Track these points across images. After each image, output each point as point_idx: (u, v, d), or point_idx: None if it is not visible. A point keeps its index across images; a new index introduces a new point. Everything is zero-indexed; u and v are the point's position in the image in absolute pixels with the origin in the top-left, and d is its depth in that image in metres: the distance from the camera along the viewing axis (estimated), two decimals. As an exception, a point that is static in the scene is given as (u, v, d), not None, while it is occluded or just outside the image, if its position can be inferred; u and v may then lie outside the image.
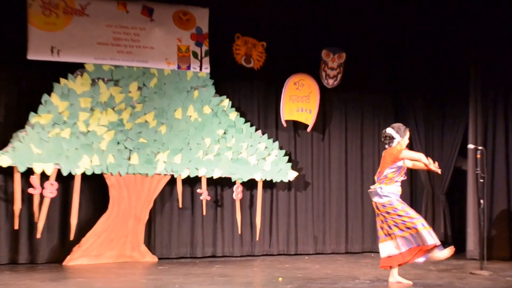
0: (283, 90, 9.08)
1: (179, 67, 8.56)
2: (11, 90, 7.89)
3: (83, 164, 7.78)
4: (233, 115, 8.75)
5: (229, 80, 8.96)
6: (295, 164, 9.13)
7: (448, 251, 6.06)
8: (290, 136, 9.24)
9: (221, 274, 6.87)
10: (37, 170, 7.56)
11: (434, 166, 6.21)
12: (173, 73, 8.53)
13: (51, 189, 7.66)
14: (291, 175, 8.86)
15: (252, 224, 8.87)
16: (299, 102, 9.19)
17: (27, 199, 7.70)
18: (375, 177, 6.36)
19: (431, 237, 5.98)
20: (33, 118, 7.65)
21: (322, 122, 9.41)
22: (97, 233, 7.88)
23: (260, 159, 8.73)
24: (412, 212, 6.11)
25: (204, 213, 8.52)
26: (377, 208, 6.20)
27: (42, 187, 7.61)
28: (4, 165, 7.41)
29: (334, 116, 9.51)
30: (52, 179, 7.68)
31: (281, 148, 9.01)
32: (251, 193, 8.86)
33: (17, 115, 7.81)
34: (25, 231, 7.76)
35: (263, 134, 8.90)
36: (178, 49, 8.56)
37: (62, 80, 7.92)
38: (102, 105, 8.06)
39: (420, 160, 6.21)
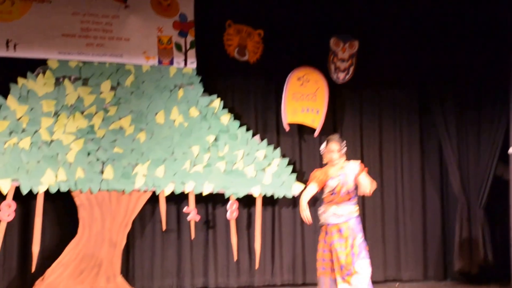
0: (285, 87, 9.07)
1: (160, 62, 8.58)
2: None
3: (46, 180, 7.76)
4: (226, 118, 8.74)
5: (220, 76, 8.96)
6: (300, 176, 9.09)
7: None
8: (294, 142, 9.22)
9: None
10: (-9, 188, 7.53)
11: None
12: (153, 70, 8.53)
13: (8, 211, 7.64)
14: (296, 188, 8.85)
15: (250, 249, 8.84)
16: (304, 100, 9.17)
17: (-22, 223, 7.68)
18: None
19: None
20: (-15, 126, 7.64)
21: (332, 124, 9.38)
22: (65, 263, 7.84)
23: (259, 170, 8.71)
24: None
25: (193, 237, 8.49)
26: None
27: (-2, 206, 7.58)
28: (-48, 182, 7.38)
29: (346, 117, 9.49)
30: (9, 199, 7.63)
31: (283, 156, 8.99)
32: (249, 211, 8.83)
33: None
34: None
35: (262, 140, 8.90)
36: (158, 41, 8.58)
37: (20, 80, 7.92)
38: (69, 108, 8.06)
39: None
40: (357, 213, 6.61)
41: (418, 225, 9.54)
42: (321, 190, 6.67)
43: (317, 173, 6.61)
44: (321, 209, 6.64)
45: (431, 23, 9.45)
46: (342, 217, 6.48)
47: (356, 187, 6.61)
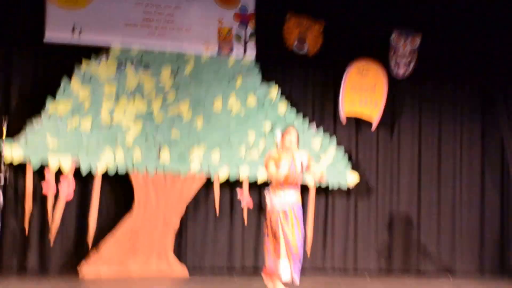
0: (344, 78, 8.93)
1: (219, 52, 8.57)
2: (27, 75, 8.06)
3: (105, 161, 7.82)
4: (283, 106, 8.65)
5: (278, 67, 8.91)
6: (355, 166, 8.94)
7: None
8: (350, 133, 9.08)
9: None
10: (53, 165, 7.65)
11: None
12: (212, 59, 8.54)
13: (68, 188, 7.72)
14: (351, 179, 8.65)
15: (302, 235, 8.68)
16: (363, 92, 9.01)
17: (40, 198, 7.80)
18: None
19: None
20: (50, 106, 7.77)
21: (391, 117, 9.20)
22: (119, 239, 7.87)
23: (315, 158, 8.55)
24: None
25: (246, 223, 8.41)
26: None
27: (57, 185, 7.68)
28: (16, 157, 7.52)
29: (405, 112, 9.30)
30: (69, 177, 7.74)
31: (339, 146, 8.82)
32: (302, 199, 8.61)
33: (32, 103, 7.95)
34: (36, 234, 7.85)
35: (318, 129, 8.74)
36: (218, 31, 8.59)
37: (84, 64, 8.04)
38: (129, 92, 8.12)
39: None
40: (299, 202, 6.45)
41: (476, 219, 9.26)
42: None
43: (270, 157, 6.40)
44: (270, 194, 6.40)
45: (496, 20, 9.10)
46: (288, 204, 6.35)
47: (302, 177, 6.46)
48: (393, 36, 9.06)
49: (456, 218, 9.22)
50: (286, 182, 6.34)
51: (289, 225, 6.33)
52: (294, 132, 6.42)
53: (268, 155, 6.45)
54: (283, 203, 6.34)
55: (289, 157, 6.38)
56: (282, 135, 6.45)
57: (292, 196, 6.37)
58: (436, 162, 9.28)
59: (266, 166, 6.38)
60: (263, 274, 6.45)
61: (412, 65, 9.14)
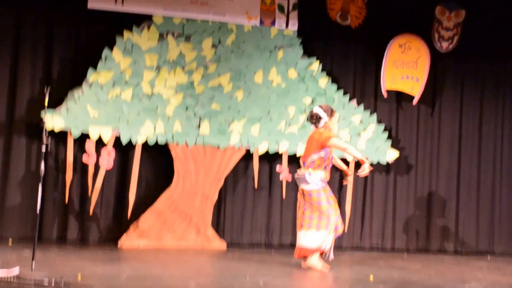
0: (386, 53, 8.78)
1: (261, 23, 8.41)
2: (68, 43, 7.98)
3: (145, 131, 7.74)
4: (324, 80, 8.49)
5: (320, 39, 8.77)
6: (395, 143, 8.83)
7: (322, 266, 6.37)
8: (391, 109, 8.95)
9: (300, 266, 6.65)
10: (93, 135, 7.59)
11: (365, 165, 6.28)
12: (254, 30, 8.38)
13: (108, 158, 7.67)
14: (391, 155, 8.54)
15: (340, 212, 8.55)
16: (405, 68, 8.85)
17: (80, 168, 7.78)
18: (301, 161, 6.58)
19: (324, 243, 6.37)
20: (91, 76, 7.67)
21: (432, 93, 9.06)
22: (158, 211, 7.83)
23: (354, 134, 8.43)
24: (332, 212, 6.41)
25: (284, 196, 8.34)
26: (303, 195, 6.48)
27: (98, 156, 7.63)
28: (57, 127, 7.46)
29: (446, 87, 9.13)
30: (110, 147, 7.69)
31: (379, 122, 8.69)
32: (341, 174, 8.58)
33: (73, 72, 7.91)
34: (76, 204, 7.85)
35: (358, 104, 8.61)
36: (261, 1, 8.43)
37: (126, 33, 7.90)
38: (170, 63, 8.00)
39: (349, 151, 6.38)
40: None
41: (515, 200, 9.08)
42: (322, 156, 6.42)
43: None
44: (309, 171, 6.45)
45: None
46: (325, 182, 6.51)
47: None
48: (438, 8, 8.90)
49: (495, 198, 9.07)
50: (328, 161, 6.46)
51: (332, 201, 6.44)
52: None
53: (328, 133, 6.43)
54: (323, 180, 6.45)
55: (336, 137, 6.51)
56: (332, 115, 6.49)
57: (326, 176, 6.49)
58: (477, 141, 9.14)
59: (319, 145, 6.38)
60: (301, 261, 6.53)
61: (456, 38, 8.95)
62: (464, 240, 9.00)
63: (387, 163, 8.68)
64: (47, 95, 7.38)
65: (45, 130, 7.29)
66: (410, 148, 8.98)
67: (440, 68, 9.06)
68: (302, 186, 6.49)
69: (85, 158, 7.62)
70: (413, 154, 8.98)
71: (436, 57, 8.93)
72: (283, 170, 8.23)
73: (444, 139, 9.07)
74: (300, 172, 6.54)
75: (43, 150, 7.32)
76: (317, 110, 6.50)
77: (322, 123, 6.47)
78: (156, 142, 7.82)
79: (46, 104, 7.41)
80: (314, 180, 6.40)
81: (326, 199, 6.42)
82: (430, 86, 8.96)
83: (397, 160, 8.65)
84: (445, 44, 8.95)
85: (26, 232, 7.62)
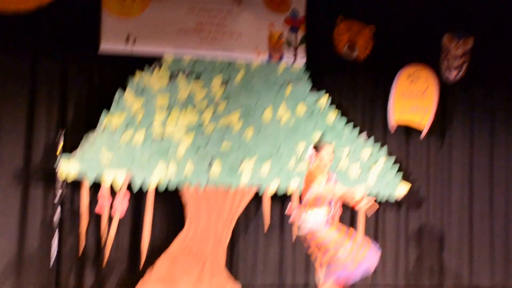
0: (394, 84, 8.89)
1: (270, 57, 8.57)
2: (82, 86, 8.13)
3: (158, 174, 7.88)
4: (333, 115, 8.62)
5: (328, 72, 8.87)
6: (406, 176, 8.91)
7: None
8: (401, 141, 9.03)
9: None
10: (108, 178, 7.73)
11: (364, 203, 6.05)
12: (262, 65, 8.53)
13: (122, 202, 7.80)
14: (402, 189, 8.65)
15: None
16: (413, 99, 8.96)
17: (94, 215, 7.92)
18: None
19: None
20: (104, 119, 7.84)
21: (442, 124, 9.12)
22: (173, 256, 7.98)
23: (364, 169, 8.54)
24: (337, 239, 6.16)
25: (294, 238, 8.40)
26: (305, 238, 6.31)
27: (112, 200, 7.79)
28: (73, 171, 7.60)
29: (456, 117, 9.20)
30: (123, 192, 7.82)
31: (389, 155, 8.81)
32: (352, 210, 8.69)
33: (87, 115, 8.06)
34: (92, 252, 7.99)
35: (368, 137, 8.72)
36: (269, 36, 8.57)
37: (138, 74, 8.07)
38: (181, 103, 8.14)
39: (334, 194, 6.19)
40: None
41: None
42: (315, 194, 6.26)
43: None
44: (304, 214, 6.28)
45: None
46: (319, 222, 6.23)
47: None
48: (445, 38, 8.96)
49: (509, 231, 9.14)
50: (320, 201, 6.23)
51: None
52: (332, 149, 6.39)
53: (312, 171, 6.33)
54: (316, 220, 6.24)
55: (325, 174, 6.35)
56: (319, 151, 6.34)
57: (322, 215, 6.24)
58: (488, 172, 9.18)
59: (310, 183, 6.24)
60: None
61: (464, 68, 9.02)
62: (479, 274, 9.05)
63: (398, 197, 8.74)
64: (61, 141, 7.55)
65: (59, 177, 7.45)
66: (421, 181, 9.05)
67: (449, 97, 9.13)
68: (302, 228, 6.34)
69: (98, 207, 7.77)
70: (424, 187, 9.06)
71: (444, 87, 9.02)
72: (293, 209, 8.30)
73: (455, 170, 9.15)
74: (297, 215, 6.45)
75: (57, 197, 7.51)
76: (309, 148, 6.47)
77: (312, 160, 6.38)
78: (168, 186, 7.95)
79: (59, 150, 7.60)
80: (309, 220, 6.21)
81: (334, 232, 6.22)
82: (440, 116, 9.05)
83: (408, 193, 8.75)
84: (454, 73, 9.03)
85: (44, 281, 7.73)
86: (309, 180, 6.34)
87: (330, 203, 6.34)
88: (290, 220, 8.24)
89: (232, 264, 8.40)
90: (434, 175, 9.09)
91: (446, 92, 9.07)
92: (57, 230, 7.26)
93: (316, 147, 6.41)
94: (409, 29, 8.95)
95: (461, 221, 9.11)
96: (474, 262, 9.06)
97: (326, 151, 6.37)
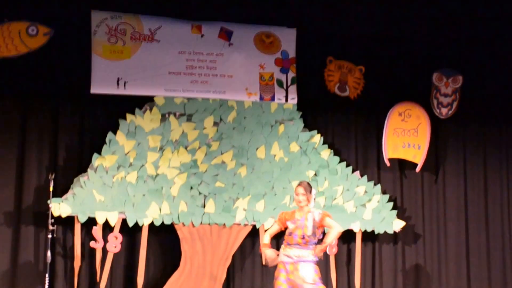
0: (386, 122, 9.02)
1: (261, 98, 8.66)
2: (73, 129, 8.24)
3: (151, 213, 7.94)
4: (326, 153, 8.71)
5: (320, 112, 9.01)
6: (401, 212, 8.98)
7: None
8: (395, 178, 9.12)
9: None
10: (100, 220, 7.76)
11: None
12: (254, 105, 8.64)
13: (115, 243, 7.84)
14: (397, 225, 8.69)
15: (350, 285, 8.75)
16: (406, 136, 9.06)
17: (88, 254, 7.96)
18: None
19: None
20: (96, 161, 7.91)
21: (435, 160, 9.23)
22: (168, 295, 7.95)
23: (359, 205, 8.60)
24: None
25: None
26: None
27: (105, 241, 7.80)
28: (64, 214, 7.68)
29: (449, 153, 9.31)
30: (116, 231, 7.86)
31: (384, 192, 8.89)
32: (349, 246, 8.75)
33: (79, 158, 8.17)
34: (86, 289, 8.01)
35: (362, 175, 8.81)
36: (260, 77, 8.68)
37: (129, 116, 8.18)
38: (173, 143, 8.24)
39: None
40: (310, 258, 6.46)
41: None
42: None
43: (282, 214, 6.71)
44: (281, 248, 6.66)
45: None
46: (293, 258, 6.48)
47: (315, 235, 6.50)
48: (435, 75, 9.16)
49: (506, 265, 9.16)
50: (292, 240, 6.50)
51: (283, 281, 6.44)
52: (300, 186, 6.59)
53: (280, 214, 6.71)
54: (288, 258, 6.50)
55: (301, 214, 6.55)
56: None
57: (299, 253, 6.46)
58: (483, 206, 9.26)
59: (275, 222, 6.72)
60: None
61: (455, 104, 9.18)
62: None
63: (394, 233, 8.79)
64: (52, 182, 7.61)
65: (51, 217, 7.48)
66: (417, 217, 9.11)
67: (441, 134, 9.26)
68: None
69: (93, 244, 7.81)
70: (419, 223, 9.11)
71: (436, 124, 9.16)
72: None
73: (450, 206, 9.21)
74: None
75: (49, 237, 7.51)
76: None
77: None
78: (163, 223, 7.98)
79: (51, 190, 7.65)
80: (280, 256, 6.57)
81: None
82: (433, 152, 9.15)
83: (404, 229, 8.78)
84: (444, 110, 9.17)
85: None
86: (287, 216, 6.62)
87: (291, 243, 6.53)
88: None
89: (228, 303, 8.39)
90: (430, 210, 9.16)
91: (438, 129, 9.21)
92: (48, 271, 7.25)
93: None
94: (399, 68, 9.14)
95: (458, 255, 9.12)
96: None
97: (297, 187, 6.63)
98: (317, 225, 6.51)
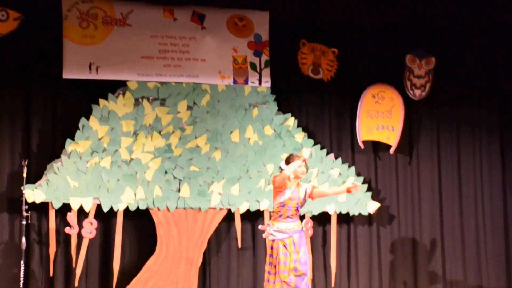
0: (359, 104, 9.20)
1: (235, 82, 8.79)
2: (46, 115, 8.38)
3: (126, 198, 8.14)
4: (300, 136, 8.93)
5: (294, 94, 9.18)
6: (376, 194, 9.21)
7: None
8: (369, 160, 9.33)
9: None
10: (74, 206, 7.97)
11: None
12: (228, 89, 8.80)
13: (90, 228, 8.04)
14: (372, 206, 8.94)
15: (326, 267, 9.00)
16: (379, 118, 9.26)
17: (63, 240, 8.14)
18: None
19: None
20: (69, 146, 8.08)
21: (409, 141, 9.45)
22: (143, 279, 8.17)
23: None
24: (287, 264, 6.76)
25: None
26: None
27: (80, 226, 8.00)
28: (38, 201, 7.86)
29: (423, 135, 9.53)
30: (91, 217, 8.06)
31: (358, 174, 9.12)
32: (324, 229, 8.98)
33: (52, 143, 8.32)
34: (61, 278, 8.17)
35: (336, 158, 9.04)
36: (233, 61, 8.80)
37: (102, 101, 8.33)
38: (147, 128, 8.42)
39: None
40: (299, 228, 6.94)
41: (501, 245, 9.41)
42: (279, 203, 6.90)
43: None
44: (268, 225, 7.00)
45: (512, 40, 9.40)
46: (288, 233, 6.85)
47: (303, 207, 6.99)
48: (408, 57, 9.32)
49: (480, 241, 9.39)
50: (286, 212, 6.85)
51: (288, 254, 6.76)
52: (303, 161, 6.89)
53: (276, 181, 6.87)
54: (282, 234, 6.85)
55: (293, 185, 6.88)
56: (290, 161, 6.92)
57: (291, 225, 6.86)
58: (457, 185, 9.48)
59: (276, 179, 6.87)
60: None
61: (428, 85, 9.36)
62: (452, 286, 9.30)
63: (369, 215, 9.03)
64: (25, 168, 7.81)
65: (24, 203, 7.68)
66: (391, 198, 9.32)
67: (415, 115, 9.46)
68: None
69: (68, 230, 7.99)
70: (394, 204, 9.32)
71: (410, 105, 9.35)
72: (265, 227, 8.57)
73: (424, 186, 9.43)
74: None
75: (24, 223, 7.72)
76: (281, 164, 7.03)
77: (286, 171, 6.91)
78: (138, 208, 8.19)
79: (24, 176, 7.85)
80: (272, 231, 6.88)
81: (283, 251, 6.80)
82: (406, 134, 9.35)
83: (378, 211, 9.01)
84: (417, 92, 9.38)
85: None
86: (276, 190, 6.82)
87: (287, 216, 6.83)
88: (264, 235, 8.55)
89: (204, 286, 8.59)
90: (404, 191, 9.39)
91: (412, 110, 9.42)
92: (23, 257, 7.44)
93: (288, 159, 6.94)
94: (372, 50, 9.34)
95: (433, 234, 9.36)
96: (447, 273, 9.29)
97: (296, 162, 6.87)
98: (307, 197, 6.95)
